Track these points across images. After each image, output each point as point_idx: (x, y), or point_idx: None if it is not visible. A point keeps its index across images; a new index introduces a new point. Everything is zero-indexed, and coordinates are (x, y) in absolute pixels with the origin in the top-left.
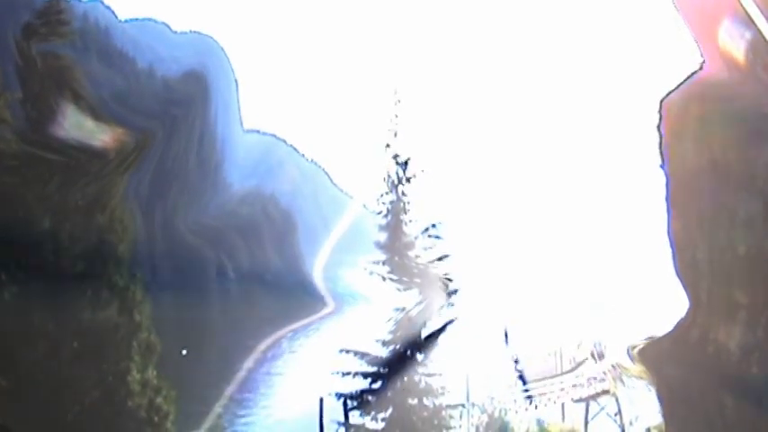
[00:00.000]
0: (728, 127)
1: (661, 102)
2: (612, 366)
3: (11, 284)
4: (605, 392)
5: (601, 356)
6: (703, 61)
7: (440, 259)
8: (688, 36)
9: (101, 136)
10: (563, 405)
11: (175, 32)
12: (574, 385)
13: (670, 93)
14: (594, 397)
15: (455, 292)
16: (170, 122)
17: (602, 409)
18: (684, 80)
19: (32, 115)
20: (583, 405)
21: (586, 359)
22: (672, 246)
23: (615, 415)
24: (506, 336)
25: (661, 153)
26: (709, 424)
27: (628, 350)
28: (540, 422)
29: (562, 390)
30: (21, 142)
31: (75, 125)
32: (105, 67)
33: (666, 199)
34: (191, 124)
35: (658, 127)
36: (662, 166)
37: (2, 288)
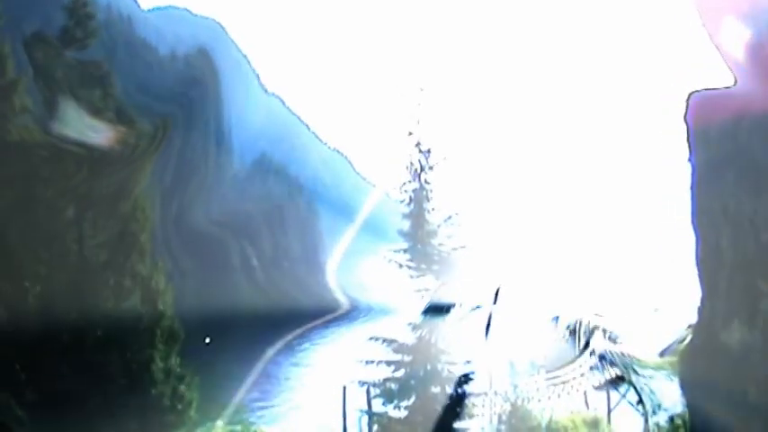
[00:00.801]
0: (755, 119)
1: (689, 94)
2: (622, 353)
3: (34, 285)
4: (621, 379)
5: (614, 341)
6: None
7: (462, 247)
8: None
9: (120, 132)
10: (585, 393)
11: (195, 15)
12: (591, 368)
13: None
14: (612, 383)
15: (476, 280)
16: (188, 105)
17: (623, 396)
18: (714, 89)
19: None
20: (604, 394)
21: (596, 328)
22: (696, 234)
23: (637, 404)
24: (523, 319)
25: (688, 144)
26: (733, 412)
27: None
28: (563, 410)
29: (582, 375)
30: (43, 133)
31: (91, 123)
32: (129, 58)
33: (692, 188)
34: (209, 105)
35: (685, 118)
36: (689, 159)
37: (26, 292)
